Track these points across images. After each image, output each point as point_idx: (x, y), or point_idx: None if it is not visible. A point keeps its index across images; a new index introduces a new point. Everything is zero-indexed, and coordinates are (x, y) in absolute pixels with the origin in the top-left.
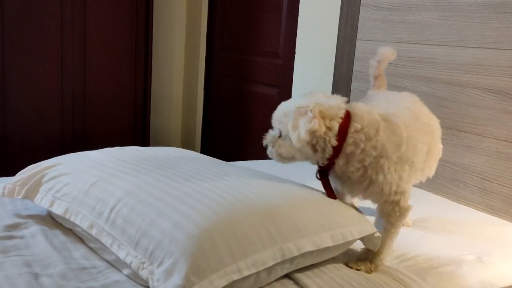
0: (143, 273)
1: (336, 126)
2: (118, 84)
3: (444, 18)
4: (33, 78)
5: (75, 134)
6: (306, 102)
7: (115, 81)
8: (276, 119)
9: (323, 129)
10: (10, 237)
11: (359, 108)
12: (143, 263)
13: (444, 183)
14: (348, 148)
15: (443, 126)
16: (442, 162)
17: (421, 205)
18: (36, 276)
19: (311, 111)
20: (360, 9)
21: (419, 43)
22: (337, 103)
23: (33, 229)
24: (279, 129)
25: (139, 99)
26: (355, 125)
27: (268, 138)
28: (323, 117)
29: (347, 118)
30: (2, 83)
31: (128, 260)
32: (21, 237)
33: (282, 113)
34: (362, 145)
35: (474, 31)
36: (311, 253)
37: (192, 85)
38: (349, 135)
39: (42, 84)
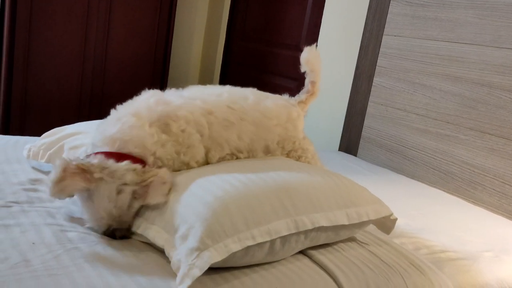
0: (159, 241)
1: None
2: (137, 69)
3: (479, 16)
4: (57, 43)
5: (93, 98)
6: None
7: (134, 65)
8: None
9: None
10: (35, 190)
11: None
12: (158, 232)
13: (462, 184)
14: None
15: (467, 127)
16: (461, 164)
17: (437, 202)
18: (61, 226)
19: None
20: (390, 3)
21: (450, 41)
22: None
23: None
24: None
25: (156, 83)
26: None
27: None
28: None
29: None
30: (28, 45)
31: (143, 231)
32: (45, 192)
33: None
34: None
35: (510, 31)
36: (325, 230)
37: (209, 74)
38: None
39: (65, 48)
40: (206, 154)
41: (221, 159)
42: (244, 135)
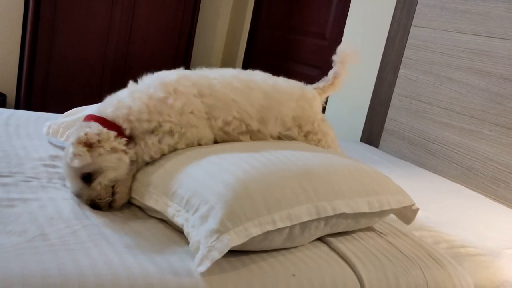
0: (178, 220)
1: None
2: (160, 52)
3: (511, 10)
4: (81, 24)
5: (113, 79)
6: None
7: (158, 48)
8: None
9: None
10: (54, 166)
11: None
12: (178, 211)
13: (484, 181)
14: None
15: (492, 123)
16: (484, 160)
17: (458, 197)
18: (79, 203)
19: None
20: None
21: (479, 34)
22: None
23: None
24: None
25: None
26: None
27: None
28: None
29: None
30: (52, 26)
31: (162, 209)
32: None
33: None
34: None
35: None
36: (346, 217)
37: (231, 61)
38: None
39: (89, 28)
40: (209, 113)
41: (227, 124)
42: (253, 101)
